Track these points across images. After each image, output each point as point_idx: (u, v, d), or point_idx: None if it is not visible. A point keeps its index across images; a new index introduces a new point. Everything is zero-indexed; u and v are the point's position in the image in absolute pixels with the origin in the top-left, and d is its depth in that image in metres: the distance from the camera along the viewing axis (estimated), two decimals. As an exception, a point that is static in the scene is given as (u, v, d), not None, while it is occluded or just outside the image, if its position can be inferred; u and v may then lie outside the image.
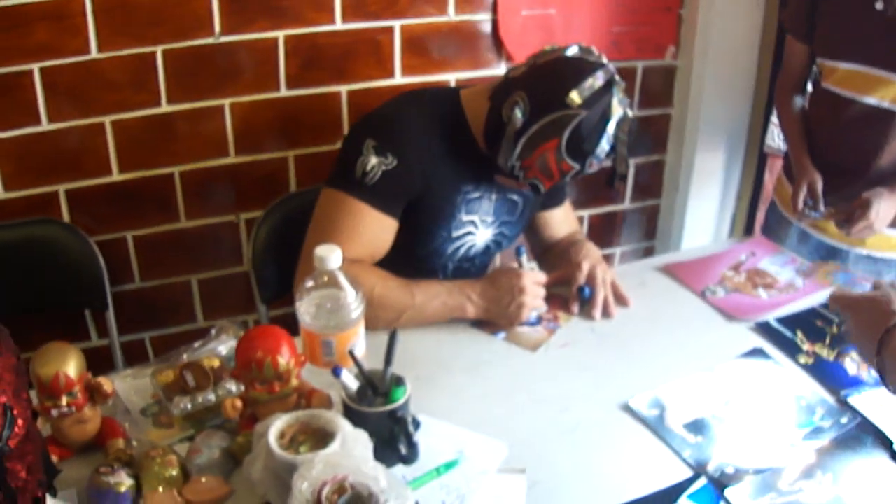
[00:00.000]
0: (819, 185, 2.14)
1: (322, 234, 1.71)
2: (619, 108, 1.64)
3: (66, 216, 2.28)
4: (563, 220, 2.11)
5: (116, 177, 2.29)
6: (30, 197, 2.22)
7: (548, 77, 1.66)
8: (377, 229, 1.75)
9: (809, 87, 2.31)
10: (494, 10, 2.49)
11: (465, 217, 1.86)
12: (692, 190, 2.96)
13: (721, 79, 2.80)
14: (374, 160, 1.71)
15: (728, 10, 2.70)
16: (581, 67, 1.64)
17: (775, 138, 2.85)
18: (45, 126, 2.16)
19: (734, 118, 2.91)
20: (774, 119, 2.77)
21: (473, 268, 1.99)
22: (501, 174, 1.77)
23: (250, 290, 2.22)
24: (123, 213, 2.34)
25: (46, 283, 2.16)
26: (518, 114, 1.64)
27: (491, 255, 2.03)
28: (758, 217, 3.01)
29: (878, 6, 1.97)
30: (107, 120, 2.22)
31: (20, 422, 1.03)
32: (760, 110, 2.90)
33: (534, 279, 1.74)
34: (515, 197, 1.93)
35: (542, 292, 1.76)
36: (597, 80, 1.62)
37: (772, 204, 2.50)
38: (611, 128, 1.64)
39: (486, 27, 2.51)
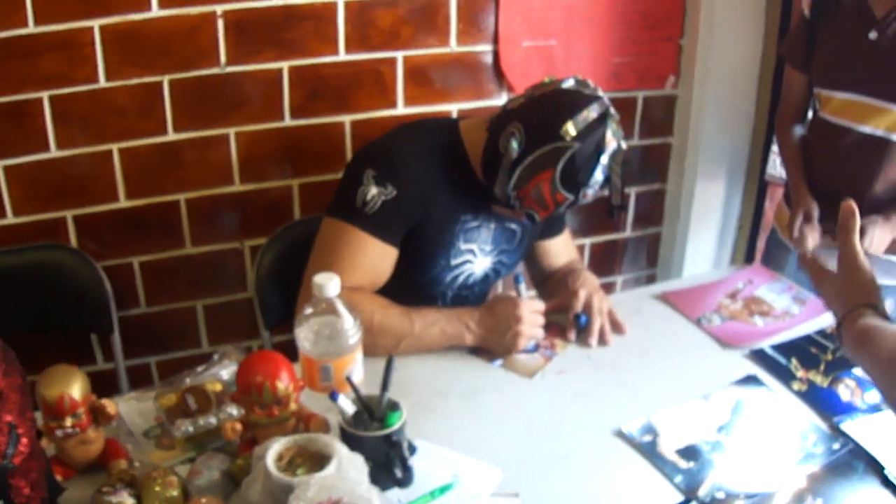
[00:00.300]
0: (815, 213, 2.16)
1: (323, 262, 1.73)
2: (612, 141, 1.66)
3: (73, 241, 2.31)
4: (562, 249, 2.13)
5: (123, 203, 2.33)
6: (38, 222, 2.26)
7: (543, 109, 1.69)
8: (377, 258, 1.78)
9: (810, 115, 2.34)
10: (496, 41, 2.52)
11: (463, 245, 1.89)
12: (693, 218, 2.98)
13: (721, 108, 2.83)
14: (374, 190, 1.74)
15: (727, 39, 2.73)
16: (576, 100, 1.67)
17: (777, 167, 2.87)
18: (53, 153, 2.20)
19: (734, 147, 2.94)
20: (775, 148, 2.80)
21: (472, 296, 2.02)
22: (498, 204, 1.79)
23: (254, 316, 2.25)
24: (130, 239, 2.38)
25: (53, 306, 2.19)
26: (514, 145, 1.67)
27: (490, 284, 2.05)
28: (759, 245, 3.04)
29: (872, 36, 2.01)
30: (114, 147, 2.25)
31: (24, 440, 1.07)
32: (760, 139, 2.92)
33: (531, 308, 1.76)
34: (514, 226, 1.95)
35: (540, 321, 1.78)
36: (591, 113, 1.65)
37: (772, 231, 2.52)
38: (604, 160, 1.66)
39: (488, 58, 2.55)
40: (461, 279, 1.94)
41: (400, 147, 1.83)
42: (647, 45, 2.74)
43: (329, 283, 1.47)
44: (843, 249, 1.26)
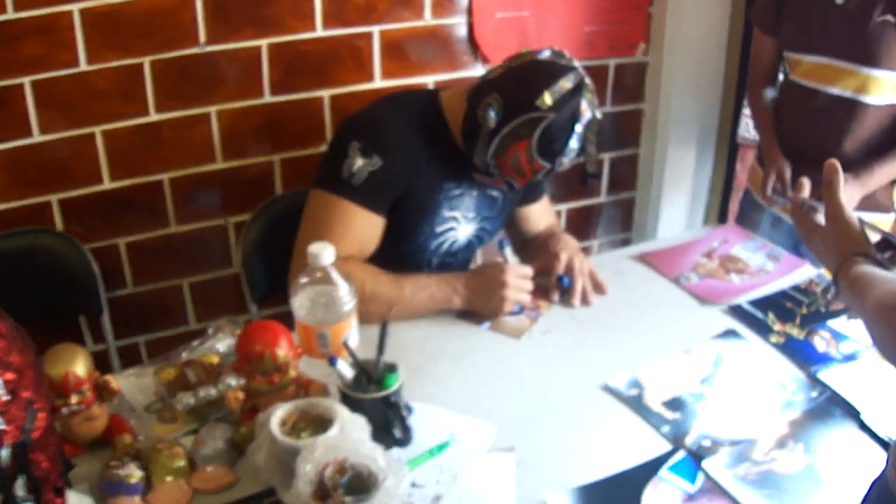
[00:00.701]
0: (787, 172, 2.23)
1: (313, 233, 1.77)
2: (587, 111, 1.71)
3: (59, 225, 2.33)
4: (541, 215, 2.19)
5: (108, 185, 2.34)
6: (23, 207, 2.27)
7: (520, 80, 1.74)
8: (365, 227, 1.82)
9: (781, 78, 2.40)
10: (469, 13, 2.56)
11: (447, 213, 1.93)
12: (666, 182, 3.04)
13: (691, 74, 2.88)
14: (359, 161, 1.78)
15: (696, 6, 2.78)
16: (552, 71, 1.71)
17: (749, 130, 2.93)
18: (36, 138, 2.21)
19: (704, 111, 2.99)
20: (746, 111, 2.85)
21: (457, 262, 2.06)
22: (479, 172, 1.84)
23: (240, 292, 2.28)
24: (115, 221, 2.40)
25: (41, 290, 2.19)
26: (492, 114, 1.72)
27: (473, 250, 2.10)
28: (731, 206, 3.10)
29: (839, 1, 2.07)
30: (97, 130, 2.27)
31: (41, 415, 1.11)
32: (730, 103, 2.98)
33: (518, 273, 1.81)
34: (495, 193, 2.00)
35: (526, 285, 1.82)
36: (566, 83, 1.69)
37: (746, 191, 2.59)
38: (579, 129, 1.71)
39: (462, 30, 2.58)
40: (445, 246, 1.98)
41: (384, 118, 1.86)
42: (617, 14, 2.78)
43: (324, 252, 1.52)
44: (829, 204, 1.29)
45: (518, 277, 1.80)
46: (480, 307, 1.81)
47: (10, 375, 1.06)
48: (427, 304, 1.79)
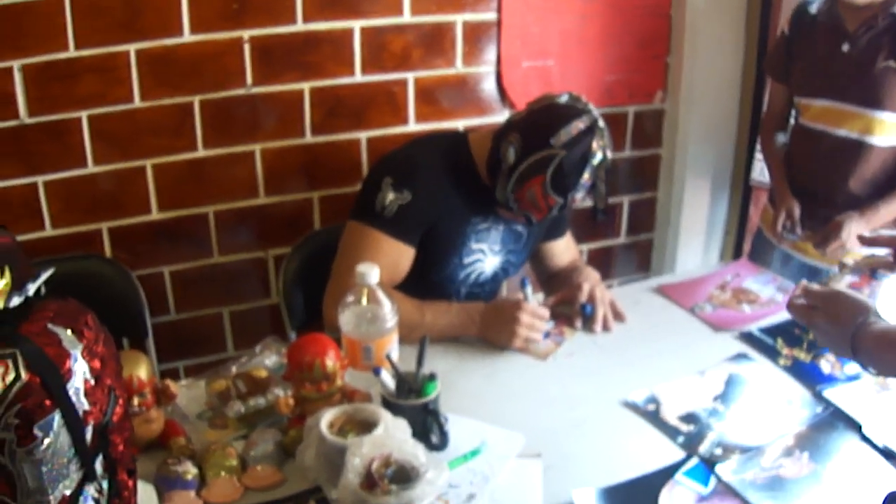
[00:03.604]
0: (796, 211, 2.35)
1: (347, 261, 1.90)
2: (598, 150, 1.83)
3: (108, 252, 2.46)
4: (564, 250, 2.30)
5: (155, 215, 2.49)
6: (76, 234, 2.41)
7: (538, 120, 1.87)
8: (395, 256, 1.94)
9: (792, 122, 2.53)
10: (498, 62, 2.72)
11: (474, 245, 2.06)
12: (683, 223, 3.16)
13: (706, 120, 3.01)
14: (391, 196, 1.92)
15: (710, 56, 2.92)
16: (567, 113, 1.84)
17: (763, 172, 3.03)
18: (90, 168, 2.36)
19: (719, 155, 3.11)
20: (759, 155, 2.97)
21: (483, 293, 2.18)
22: (502, 207, 1.97)
23: (276, 321, 2.40)
24: (161, 249, 2.53)
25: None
26: (511, 152, 1.86)
27: (499, 282, 2.22)
28: (745, 247, 3.21)
29: (845, 48, 2.21)
30: (147, 163, 2.42)
31: (121, 401, 1.23)
32: (743, 147, 3.10)
33: (532, 312, 1.90)
34: (520, 228, 2.12)
35: (539, 326, 1.91)
36: (580, 124, 1.82)
37: (758, 230, 2.70)
38: (590, 167, 1.84)
39: (491, 78, 2.74)
40: (473, 277, 2.10)
41: (414, 157, 2.01)
42: (636, 64, 2.93)
43: (371, 272, 1.66)
44: (822, 297, 1.44)
45: (532, 317, 1.89)
46: (492, 338, 1.91)
47: (96, 363, 1.18)
48: (445, 329, 1.90)
